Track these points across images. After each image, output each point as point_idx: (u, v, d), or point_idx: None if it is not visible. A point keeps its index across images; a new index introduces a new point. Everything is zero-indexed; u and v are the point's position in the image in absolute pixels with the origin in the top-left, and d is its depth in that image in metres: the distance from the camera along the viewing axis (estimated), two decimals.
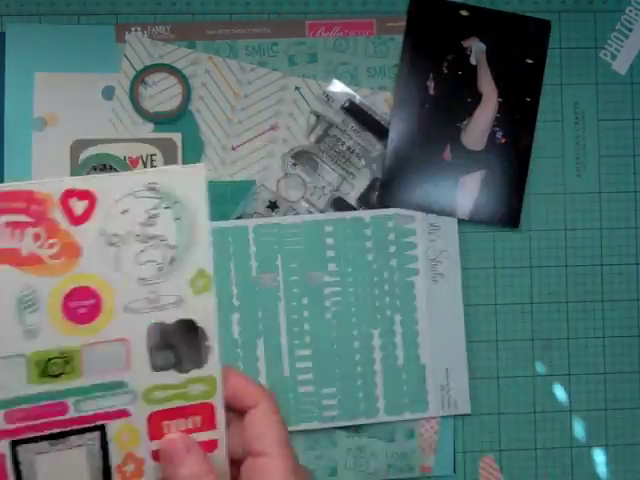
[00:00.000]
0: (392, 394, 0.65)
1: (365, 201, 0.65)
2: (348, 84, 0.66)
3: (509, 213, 0.66)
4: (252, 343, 0.65)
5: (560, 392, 0.68)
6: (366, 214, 0.65)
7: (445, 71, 0.65)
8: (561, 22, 0.68)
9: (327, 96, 0.65)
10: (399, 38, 0.66)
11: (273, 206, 0.65)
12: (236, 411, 0.40)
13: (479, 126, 0.66)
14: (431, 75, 0.65)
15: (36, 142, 0.64)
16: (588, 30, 0.68)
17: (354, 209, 0.65)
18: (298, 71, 0.66)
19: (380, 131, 0.65)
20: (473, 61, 0.65)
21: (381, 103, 0.66)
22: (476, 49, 0.66)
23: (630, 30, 0.68)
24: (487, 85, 0.65)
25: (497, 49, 0.66)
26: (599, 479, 0.68)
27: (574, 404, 0.68)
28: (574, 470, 0.68)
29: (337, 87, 0.65)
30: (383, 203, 0.65)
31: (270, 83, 0.66)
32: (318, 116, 0.63)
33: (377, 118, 0.63)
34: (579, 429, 0.68)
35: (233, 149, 0.66)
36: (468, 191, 0.66)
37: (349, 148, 0.65)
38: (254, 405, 0.40)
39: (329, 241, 0.65)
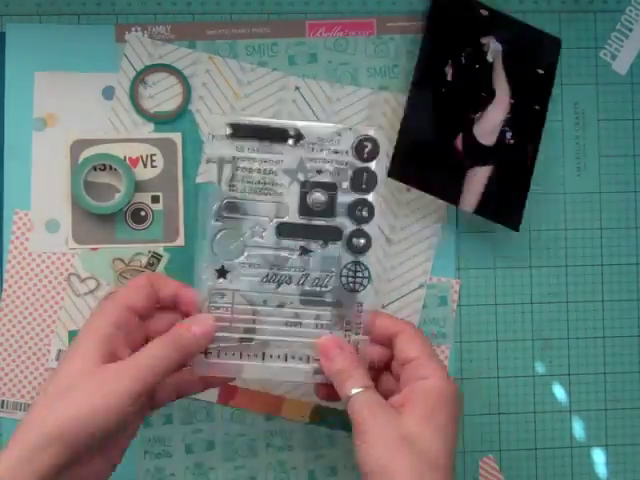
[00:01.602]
0: None
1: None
2: (348, 84, 0.66)
3: (511, 214, 0.66)
4: None
5: (560, 392, 0.68)
6: None
7: (463, 61, 0.65)
8: (561, 22, 0.68)
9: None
10: (399, 38, 0.66)
11: None
12: (388, 340, 0.53)
13: (490, 121, 0.66)
14: (450, 62, 0.65)
15: (36, 142, 0.64)
16: (588, 30, 0.68)
17: None
18: (298, 71, 0.66)
19: (278, 132, 0.55)
20: (490, 58, 0.65)
21: (381, 103, 0.66)
22: (493, 48, 0.65)
23: (630, 30, 0.68)
24: (500, 84, 0.65)
25: (512, 53, 0.66)
26: (599, 479, 0.68)
27: (574, 404, 0.68)
28: (574, 470, 0.68)
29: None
30: (391, 176, 0.64)
31: (270, 83, 0.66)
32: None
33: (266, 124, 0.54)
34: (579, 429, 0.68)
35: None
36: (475, 184, 0.66)
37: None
38: (401, 331, 0.52)
39: None
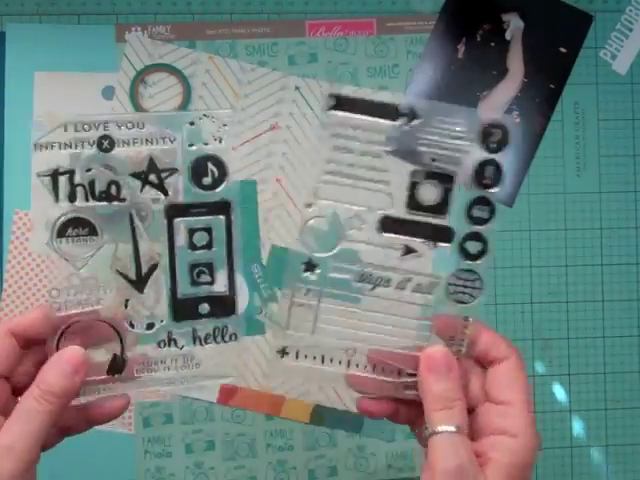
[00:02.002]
0: None
1: None
2: (348, 84, 0.66)
3: (507, 192, 0.66)
4: None
5: (560, 392, 0.68)
6: None
7: (478, 39, 0.65)
8: None
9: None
10: (399, 38, 0.66)
11: None
12: (485, 363, 0.45)
13: (498, 100, 0.66)
14: (464, 39, 0.65)
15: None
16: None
17: None
18: (298, 71, 0.66)
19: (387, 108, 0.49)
20: (508, 36, 0.65)
21: None
22: (514, 25, 0.65)
23: (630, 30, 0.68)
24: (516, 63, 0.65)
25: (534, 31, 0.66)
26: (599, 479, 0.68)
27: (574, 404, 0.68)
28: (574, 470, 0.68)
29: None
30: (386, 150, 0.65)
31: (270, 83, 0.66)
32: None
33: (372, 98, 0.48)
34: (579, 429, 0.68)
35: (233, 149, 0.66)
36: (469, 161, 0.66)
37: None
38: (503, 359, 0.44)
39: None
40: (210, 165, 0.45)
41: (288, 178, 0.66)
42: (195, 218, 0.46)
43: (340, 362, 0.46)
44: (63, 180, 0.45)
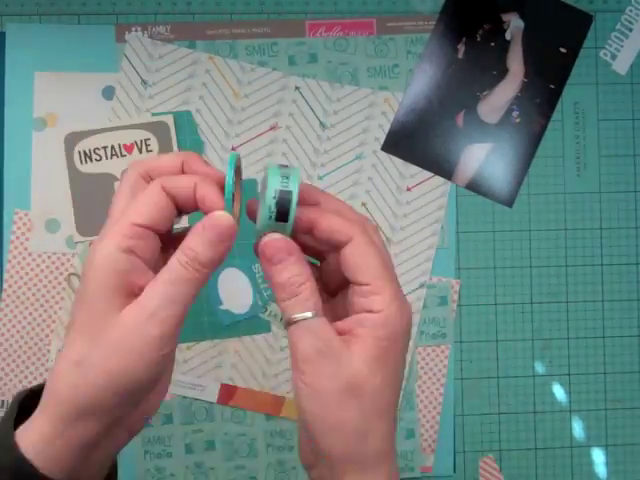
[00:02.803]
0: None
1: None
2: (348, 84, 0.66)
3: (506, 192, 0.67)
4: None
5: (560, 392, 0.68)
6: None
7: (478, 39, 0.66)
8: None
9: None
10: (399, 38, 0.66)
11: None
12: (333, 247, 0.43)
13: (498, 100, 0.66)
14: (464, 39, 0.65)
15: (36, 142, 0.64)
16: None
17: None
18: (298, 71, 0.66)
19: None
20: (508, 36, 0.66)
21: (381, 103, 0.66)
22: (514, 25, 0.66)
23: (630, 30, 0.68)
24: (516, 63, 0.66)
25: (534, 31, 0.66)
26: (599, 479, 0.68)
27: (574, 404, 0.68)
28: (574, 470, 0.68)
29: None
30: (386, 150, 0.65)
31: (270, 83, 0.66)
32: None
33: None
34: (579, 429, 0.68)
35: (233, 149, 0.66)
36: (472, 160, 0.66)
37: None
38: (348, 241, 0.42)
39: None
40: None
41: None
42: None
43: None
44: None
